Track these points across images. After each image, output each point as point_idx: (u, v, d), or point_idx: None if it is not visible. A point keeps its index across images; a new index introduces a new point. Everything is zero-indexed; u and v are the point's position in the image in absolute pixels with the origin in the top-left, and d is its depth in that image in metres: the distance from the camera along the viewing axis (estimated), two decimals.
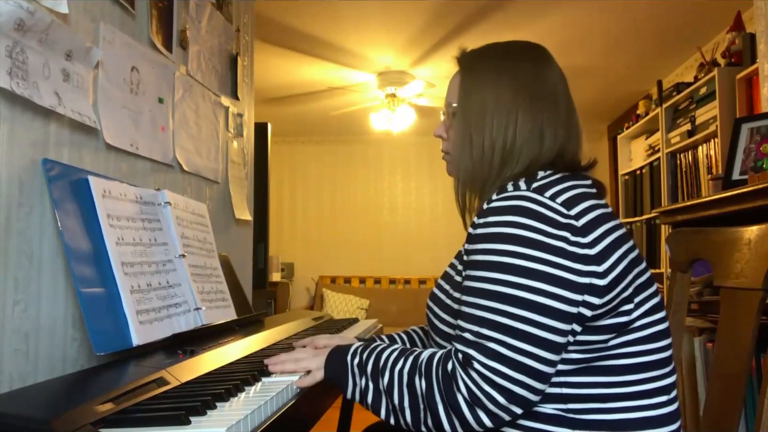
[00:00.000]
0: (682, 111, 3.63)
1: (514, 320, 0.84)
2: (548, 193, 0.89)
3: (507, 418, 0.84)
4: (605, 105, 5.39)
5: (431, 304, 1.07)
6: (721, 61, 3.22)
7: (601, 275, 0.86)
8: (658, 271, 3.87)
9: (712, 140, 3.25)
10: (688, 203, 2.29)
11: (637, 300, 0.90)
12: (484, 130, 0.99)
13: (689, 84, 3.50)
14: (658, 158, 3.88)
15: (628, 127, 4.47)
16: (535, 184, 0.91)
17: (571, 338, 0.87)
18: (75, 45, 1.16)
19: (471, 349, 0.85)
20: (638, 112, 4.29)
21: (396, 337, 1.30)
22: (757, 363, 1.73)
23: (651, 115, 4.01)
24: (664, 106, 3.78)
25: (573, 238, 0.86)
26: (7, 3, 0.95)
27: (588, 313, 0.86)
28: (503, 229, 0.87)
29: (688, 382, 2.14)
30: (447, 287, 1.04)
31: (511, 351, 0.83)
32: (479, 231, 0.91)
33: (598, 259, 0.86)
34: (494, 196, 0.92)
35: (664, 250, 3.69)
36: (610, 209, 0.94)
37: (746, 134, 2.45)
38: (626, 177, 4.52)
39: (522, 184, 0.92)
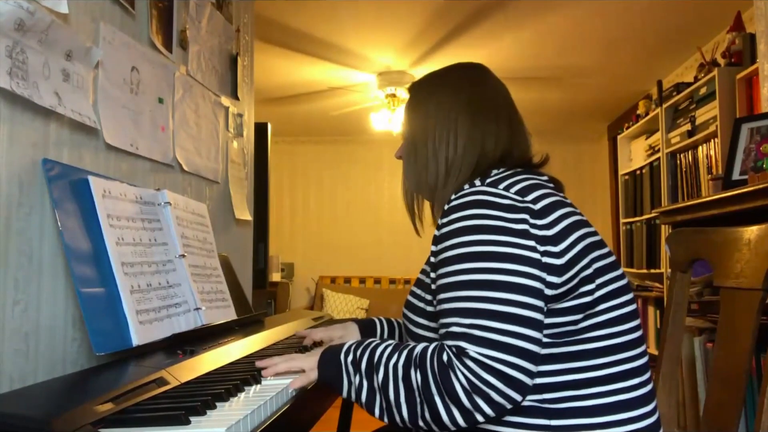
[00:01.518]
0: (682, 111, 3.63)
1: (493, 303, 0.86)
2: (502, 186, 0.94)
3: (507, 405, 0.84)
4: (605, 105, 5.39)
5: (407, 313, 1.08)
6: (721, 61, 3.22)
7: (557, 255, 0.89)
8: (658, 271, 3.87)
9: (712, 140, 3.25)
10: (688, 203, 2.29)
11: (598, 281, 0.92)
12: (427, 140, 1.08)
13: (689, 84, 3.50)
14: (658, 158, 3.88)
15: (628, 127, 4.47)
16: (488, 180, 0.96)
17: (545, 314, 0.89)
18: (75, 45, 1.16)
19: (461, 341, 0.86)
20: (638, 112, 4.29)
21: (394, 321, 1.32)
22: (757, 363, 1.74)
23: (651, 115, 4.01)
24: (664, 106, 3.78)
25: (532, 220, 0.90)
26: (7, 3, 0.95)
27: (549, 291, 0.89)
28: (465, 222, 0.91)
29: (688, 382, 2.14)
30: (420, 292, 1.05)
31: (498, 335, 0.84)
32: (443, 230, 0.94)
33: (555, 239, 0.90)
34: (453, 197, 0.96)
35: (664, 250, 3.69)
36: (567, 200, 0.98)
37: (746, 134, 2.45)
38: (626, 177, 4.52)
39: (477, 182, 0.97)
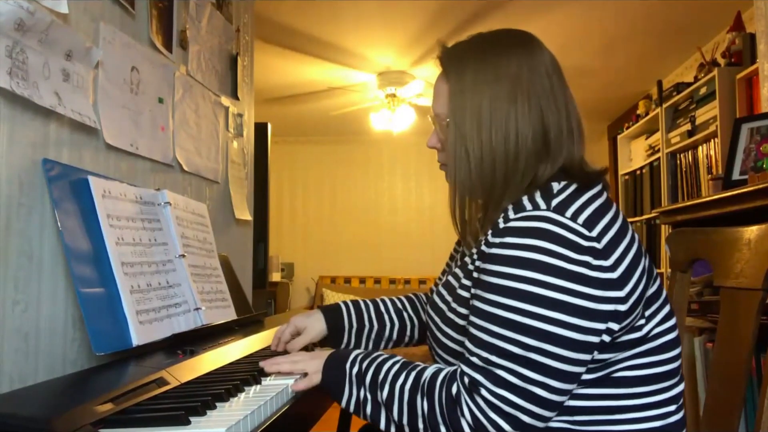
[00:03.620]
0: (682, 111, 3.63)
1: (526, 350, 0.80)
2: (569, 213, 0.85)
3: None
4: (605, 105, 5.39)
5: (434, 315, 1.02)
6: (721, 61, 3.22)
7: (623, 300, 0.83)
8: (658, 271, 3.86)
9: (712, 140, 3.25)
10: (688, 203, 2.29)
11: (648, 313, 0.88)
12: (482, 140, 0.92)
13: (689, 84, 3.50)
14: (658, 158, 3.88)
15: (628, 127, 4.47)
16: (554, 202, 0.86)
17: (586, 367, 0.84)
18: (75, 45, 1.15)
19: (478, 375, 0.83)
20: (638, 112, 4.29)
21: (361, 303, 1.23)
22: (757, 363, 1.73)
23: (651, 115, 4.01)
24: (664, 106, 3.78)
25: (595, 263, 0.82)
26: (7, 3, 0.94)
27: (608, 339, 0.84)
28: (521, 252, 0.83)
29: (688, 382, 2.14)
30: (449, 299, 0.98)
31: (520, 380, 0.80)
32: (495, 251, 0.86)
33: (620, 283, 0.83)
34: (512, 215, 0.87)
35: (664, 250, 3.69)
36: (622, 216, 0.91)
37: (746, 134, 2.45)
38: (626, 177, 4.52)
39: (540, 202, 0.87)
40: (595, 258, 0.82)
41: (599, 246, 0.83)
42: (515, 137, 0.91)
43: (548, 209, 0.85)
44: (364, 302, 1.25)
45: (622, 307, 0.83)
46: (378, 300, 1.27)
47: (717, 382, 1.13)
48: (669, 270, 2.45)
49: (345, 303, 1.23)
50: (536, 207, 0.86)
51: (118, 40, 1.34)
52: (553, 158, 0.92)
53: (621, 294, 0.83)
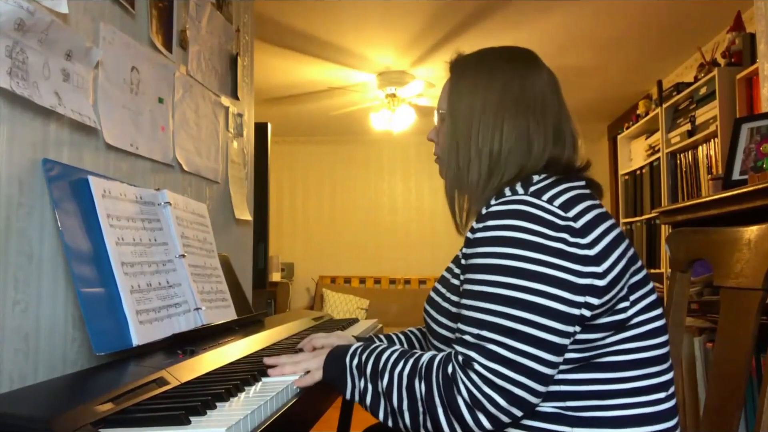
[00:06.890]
0: (682, 111, 3.64)
1: (514, 322, 0.84)
2: (545, 197, 0.90)
3: (507, 420, 0.85)
4: (605, 105, 5.39)
5: (428, 308, 1.07)
6: (721, 61, 3.22)
7: (601, 276, 0.87)
8: (658, 271, 3.87)
9: (712, 140, 3.25)
10: (688, 203, 2.29)
11: (632, 298, 0.91)
12: (471, 136, 1.01)
13: (689, 84, 3.50)
14: (658, 158, 3.89)
15: (628, 127, 4.47)
16: (532, 188, 0.92)
17: (571, 339, 0.87)
18: (75, 45, 1.16)
19: (471, 351, 0.85)
20: (638, 112, 4.29)
21: (394, 337, 1.30)
22: (757, 363, 1.73)
23: (651, 115, 4.01)
24: (664, 106, 3.78)
25: (572, 239, 0.87)
26: (7, 3, 0.94)
27: (588, 313, 0.87)
28: (501, 232, 0.89)
29: (688, 382, 2.14)
30: (444, 291, 1.04)
31: (511, 353, 0.83)
32: (478, 235, 0.92)
33: (598, 259, 0.87)
34: (493, 201, 0.93)
35: (664, 250, 3.69)
36: (605, 209, 0.95)
37: (746, 134, 2.45)
38: (626, 177, 4.52)
39: (519, 189, 0.93)
40: (572, 236, 0.87)
41: (576, 225, 0.88)
42: (500, 138, 1.00)
43: (525, 194, 0.92)
44: (396, 336, 1.31)
45: (600, 283, 0.87)
46: (410, 334, 1.32)
47: (717, 382, 1.13)
48: (669, 270, 2.45)
49: (378, 336, 1.31)
50: (515, 193, 0.93)
51: (118, 40, 1.34)
52: (535, 160, 0.99)
53: (598, 270, 0.87)
